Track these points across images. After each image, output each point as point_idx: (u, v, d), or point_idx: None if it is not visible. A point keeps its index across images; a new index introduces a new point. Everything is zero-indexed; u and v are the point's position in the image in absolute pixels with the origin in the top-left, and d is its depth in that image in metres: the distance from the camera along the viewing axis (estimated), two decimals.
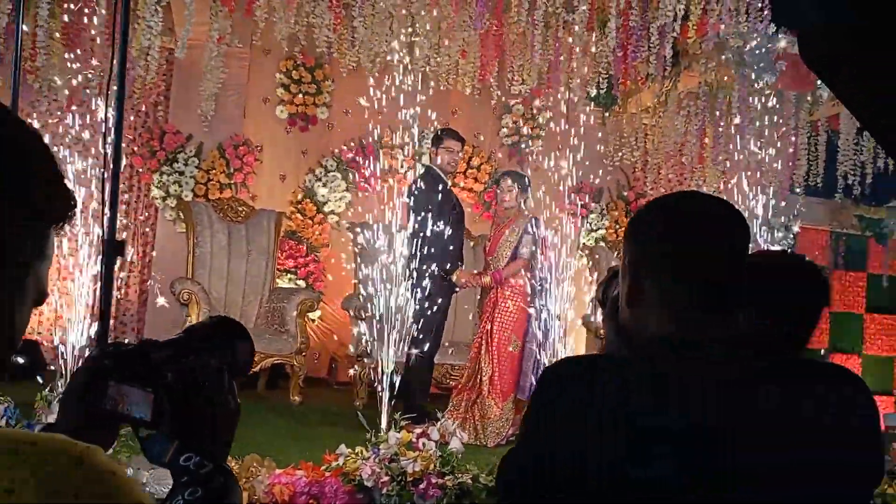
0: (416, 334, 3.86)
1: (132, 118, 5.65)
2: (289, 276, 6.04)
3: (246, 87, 6.13)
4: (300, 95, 6.26)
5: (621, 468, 0.89)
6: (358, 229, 5.35)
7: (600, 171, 6.43)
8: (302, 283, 6.00)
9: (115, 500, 0.52)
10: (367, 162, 6.33)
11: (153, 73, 5.03)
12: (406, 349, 3.74)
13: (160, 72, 5.52)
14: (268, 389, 5.21)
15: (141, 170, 5.80)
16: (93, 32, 4.88)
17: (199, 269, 5.02)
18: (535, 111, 6.71)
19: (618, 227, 6.80)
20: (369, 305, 3.95)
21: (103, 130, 1.84)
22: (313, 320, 5.84)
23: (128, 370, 0.79)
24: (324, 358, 6.03)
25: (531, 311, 4.21)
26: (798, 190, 5.72)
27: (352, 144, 6.35)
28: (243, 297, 5.09)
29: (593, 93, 5.85)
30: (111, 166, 1.79)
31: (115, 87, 1.80)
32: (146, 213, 5.86)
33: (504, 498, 1.10)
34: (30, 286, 0.64)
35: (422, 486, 2.91)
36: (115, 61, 1.77)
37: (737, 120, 5.45)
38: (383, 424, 3.36)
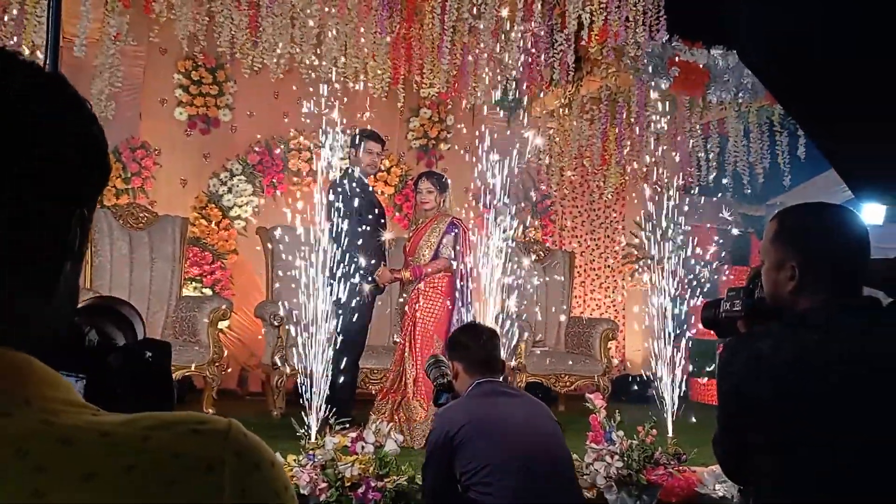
0: (340, 338, 3.79)
1: None
2: (194, 284, 5.79)
3: (141, 88, 5.82)
4: (200, 97, 6.03)
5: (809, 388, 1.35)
6: (274, 233, 5.21)
7: (507, 174, 6.58)
8: (208, 292, 5.76)
9: (267, 455, 0.53)
10: (273, 165, 6.18)
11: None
12: (331, 354, 3.66)
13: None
14: (176, 403, 4.96)
15: None
16: None
17: (97, 279, 4.71)
18: (442, 114, 6.78)
19: (525, 227, 6.97)
20: (292, 312, 3.85)
21: None
22: (222, 330, 5.62)
23: (54, 359, 0.74)
24: (233, 368, 5.81)
25: (453, 310, 4.24)
26: (692, 189, 6.08)
27: (257, 147, 6.17)
28: (148, 307, 4.82)
29: (498, 97, 5.98)
30: None
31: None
32: None
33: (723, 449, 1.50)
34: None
35: (360, 490, 2.86)
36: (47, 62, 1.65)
37: (635, 124, 5.73)
38: (313, 431, 3.27)
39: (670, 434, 3.77)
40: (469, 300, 4.25)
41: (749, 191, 6.09)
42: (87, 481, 0.46)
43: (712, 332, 1.62)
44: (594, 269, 7.17)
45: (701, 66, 5.67)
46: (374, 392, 4.68)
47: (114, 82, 4.96)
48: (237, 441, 0.51)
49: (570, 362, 5.59)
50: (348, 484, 2.85)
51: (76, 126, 0.56)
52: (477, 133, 5.37)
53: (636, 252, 6.83)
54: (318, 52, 5.38)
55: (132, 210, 5.12)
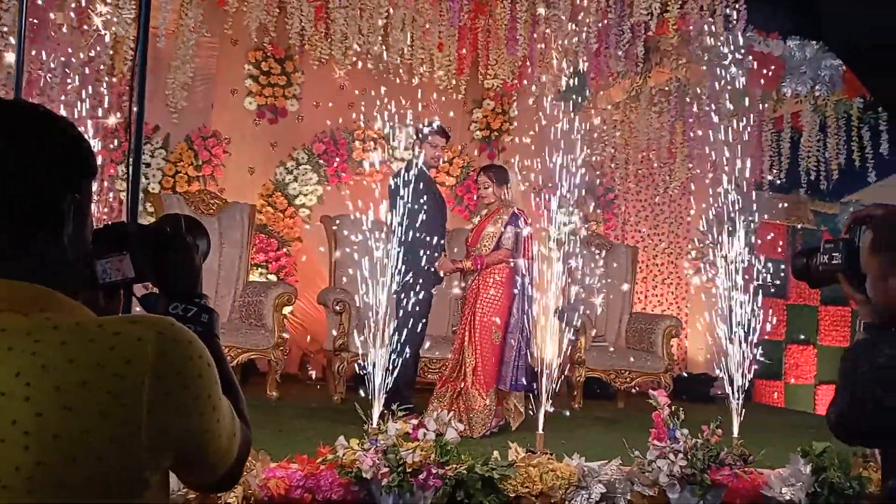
0: (401, 327, 3.83)
1: (99, 109, 5.45)
2: (259, 270, 5.94)
3: (214, 78, 5.99)
4: (269, 87, 6.16)
5: None
6: (338, 222, 5.30)
7: (569, 166, 6.50)
8: (273, 278, 5.90)
9: (187, 335, 0.80)
10: (338, 155, 6.28)
11: (125, 62, 4.87)
12: (393, 342, 3.70)
13: (127, 61, 5.33)
14: (241, 385, 5.11)
15: (105, 161, 5.61)
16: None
17: None
18: (505, 106, 6.75)
19: (588, 222, 6.89)
20: (354, 299, 3.90)
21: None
22: (285, 315, 5.75)
23: (103, 247, 0.93)
24: (294, 353, 5.94)
25: (513, 300, 4.23)
26: (763, 185, 5.90)
27: (323, 137, 6.27)
28: (216, 291, 4.97)
29: (564, 88, 5.91)
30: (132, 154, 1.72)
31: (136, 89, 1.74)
32: (111, 207, 5.66)
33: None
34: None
35: (421, 476, 2.89)
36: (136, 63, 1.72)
37: (704, 117, 5.59)
38: (374, 417, 3.33)
39: (735, 434, 3.68)
40: (530, 292, 4.23)
41: (824, 186, 5.86)
42: (63, 346, 0.73)
43: (804, 282, 1.51)
44: (657, 265, 7.04)
45: (776, 57, 5.49)
46: (433, 380, 4.72)
47: (189, 73, 5.11)
48: (164, 325, 0.78)
49: (632, 359, 5.51)
50: (410, 469, 2.88)
51: (57, 145, 0.82)
52: (540, 125, 5.34)
53: (701, 247, 6.67)
54: (385, 43, 5.42)
55: (203, 196, 5.28)
